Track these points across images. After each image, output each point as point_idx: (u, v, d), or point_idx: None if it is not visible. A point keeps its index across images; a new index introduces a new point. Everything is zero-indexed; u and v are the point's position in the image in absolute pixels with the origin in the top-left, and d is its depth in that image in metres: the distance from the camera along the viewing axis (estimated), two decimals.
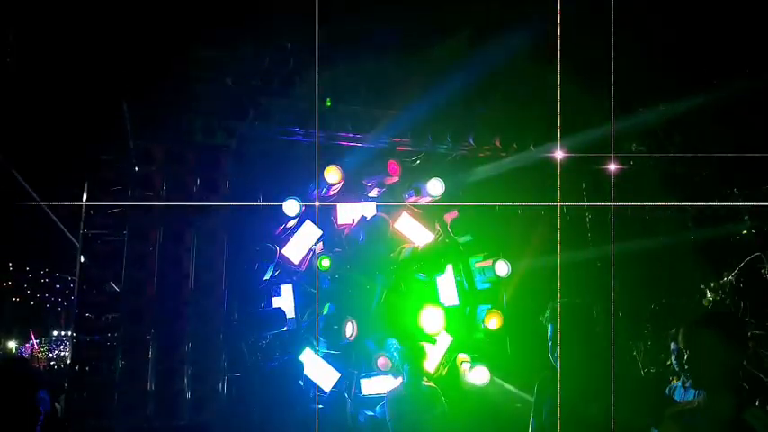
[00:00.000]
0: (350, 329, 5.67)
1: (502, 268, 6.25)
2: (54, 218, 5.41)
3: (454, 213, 6.58)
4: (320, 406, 5.50)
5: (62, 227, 5.39)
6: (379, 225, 6.12)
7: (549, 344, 3.01)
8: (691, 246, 6.92)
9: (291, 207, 5.61)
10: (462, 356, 6.29)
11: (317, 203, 6.10)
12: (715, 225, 6.63)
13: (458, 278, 6.66)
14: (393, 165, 6.27)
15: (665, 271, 7.10)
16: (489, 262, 6.35)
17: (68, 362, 5.64)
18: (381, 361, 5.73)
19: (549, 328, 3.05)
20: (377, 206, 6.44)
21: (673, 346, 4.58)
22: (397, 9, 5.38)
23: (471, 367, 6.05)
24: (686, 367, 2.36)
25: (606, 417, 2.67)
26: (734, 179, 6.56)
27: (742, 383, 2.28)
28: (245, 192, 5.85)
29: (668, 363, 4.75)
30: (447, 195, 6.33)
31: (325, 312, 6.01)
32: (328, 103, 5.83)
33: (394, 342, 5.82)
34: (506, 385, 5.96)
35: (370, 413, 5.71)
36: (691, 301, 6.80)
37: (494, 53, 5.57)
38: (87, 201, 5.46)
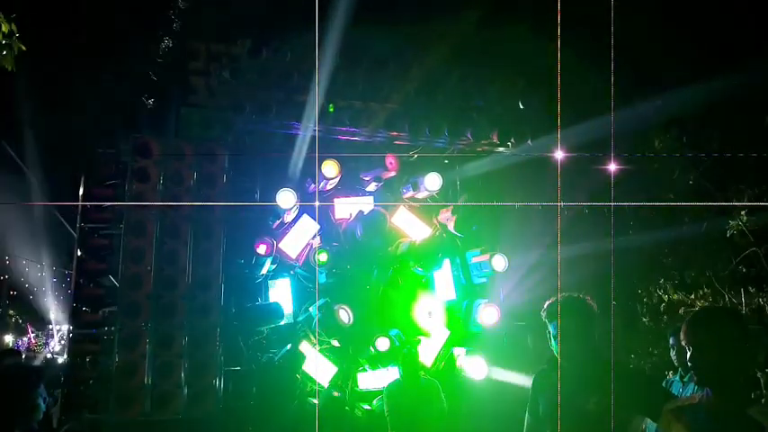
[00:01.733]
0: (345, 316, 5.67)
1: (499, 263, 6.24)
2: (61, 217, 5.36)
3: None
4: (315, 401, 5.50)
5: (63, 222, 5.33)
6: (377, 219, 6.11)
7: (552, 341, 2.99)
8: (688, 242, 6.93)
9: (286, 198, 5.57)
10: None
11: (316, 203, 6.08)
12: (712, 221, 6.63)
13: (455, 272, 6.65)
14: (391, 159, 6.25)
15: (662, 266, 7.11)
16: (486, 256, 6.34)
17: (65, 355, 5.63)
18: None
19: (548, 323, 3.04)
20: (374, 201, 6.43)
21: (672, 340, 4.57)
22: (396, 5, 5.37)
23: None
24: (689, 365, 2.33)
25: (604, 410, 2.66)
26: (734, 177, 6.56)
27: (746, 379, 2.25)
28: (242, 187, 5.84)
29: (662, 359, 4.75)
30: (444, 190, 6.32)
31: (321, 305, 6.00)
32: (331, 109, 5.80)
33: (397, 332, 5.92)
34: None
35: (368, 407, 5.72)
36: (688, 296, 6.80)
37: (492, 46, 5.55)
38: (83, 195, 5.42)
